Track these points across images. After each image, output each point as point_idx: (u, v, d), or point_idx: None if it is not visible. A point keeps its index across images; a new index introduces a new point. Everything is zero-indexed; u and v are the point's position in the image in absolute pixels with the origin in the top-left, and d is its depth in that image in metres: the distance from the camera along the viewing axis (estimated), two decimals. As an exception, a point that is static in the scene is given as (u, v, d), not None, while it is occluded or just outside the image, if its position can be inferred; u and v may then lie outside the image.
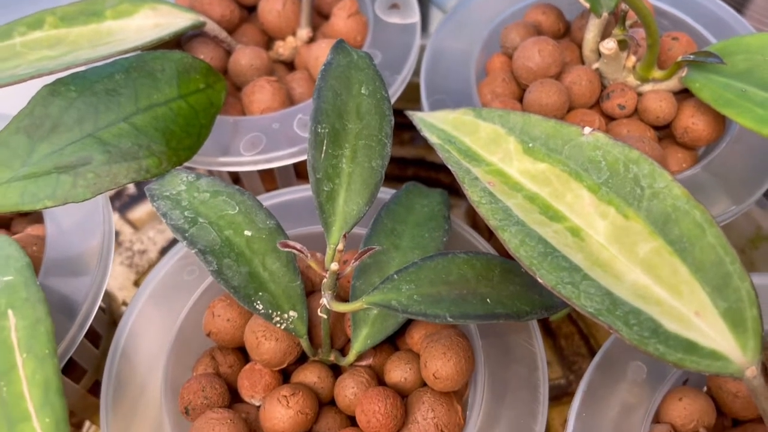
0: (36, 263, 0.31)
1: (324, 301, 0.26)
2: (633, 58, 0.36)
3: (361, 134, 0.28)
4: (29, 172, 0.28)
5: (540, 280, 0.23)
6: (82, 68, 0.31)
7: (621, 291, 0.23)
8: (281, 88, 0.38)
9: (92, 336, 0.38)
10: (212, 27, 0.39)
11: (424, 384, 0.29)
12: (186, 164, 0.32)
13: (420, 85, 0.39)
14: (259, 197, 0.31)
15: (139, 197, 0.49)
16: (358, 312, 0.29)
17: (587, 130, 0.27)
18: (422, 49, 0.41)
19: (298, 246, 0.26)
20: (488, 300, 0.26)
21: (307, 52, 0.41)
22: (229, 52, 0.40)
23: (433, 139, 0.30)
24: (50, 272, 0.32)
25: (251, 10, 0.44)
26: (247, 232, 0.28)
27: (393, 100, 0.38)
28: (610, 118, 0.37)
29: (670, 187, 0.25)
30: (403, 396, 0.28)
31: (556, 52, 0.36)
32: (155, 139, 0.30)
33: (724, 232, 0.24)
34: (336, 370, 0.30)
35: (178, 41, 0.40)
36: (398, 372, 0.29)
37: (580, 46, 0.38)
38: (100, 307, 0.32)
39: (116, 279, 0.46)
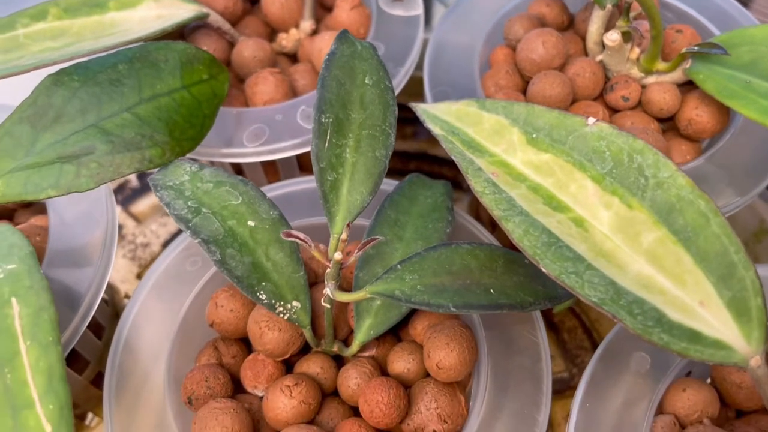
0: (39, 254, 0.31)
1: (327, 290, 0.26)
2: (637, 50, 0.36)
3: (365, 124, 0.28)
4: (33, 162, 0.28)
5: (544, 270, 0.23)
6: (85, 59, 0.31)
7: (625, 281, 0.23)
8: (284, 80, 0.38)
9: (95, 328, 0.38)
10: (215, 18, 0.39)
11: (427, 375, 0.29)
12: (189, 155, 0.32)
13: (423, 78, 0.39)
14: (262, 189, 0.31)
15: (141, 190, 0.49)
16: (362, 302, 0.29)
17: (591, 120, 0.27)
18: (425, 42, 0.41)
19: (302, 236, 0.26)
20: (491, 290, 0.26)
21: (310, 44, 0.41)
22: (232, 44, 0.40)
23: (436, 130, 0.30)
24: (53, 263, 0.32)
25: (254, 2, 0.44)
26: (251, 223, 0.28)
27: (396, 93, 0.38)
28: (613, 110, 0.37)
29: (674, 176, 0.25)
30: (406, 387, 0.28)
31: (560, 44, 0.36)
32: (158, 130, 0.30)
33: (728, 223, 0.24)
34: (339, 361, 0.30)
35: (181, 32, 0.41)
36: (401, 363, 0.29)
37: (583, 38, 0.38)
38: (102, 299, 0.32)
39: (119, 272, 0.46)
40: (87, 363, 0.37)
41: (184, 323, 0.32)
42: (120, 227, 0.47)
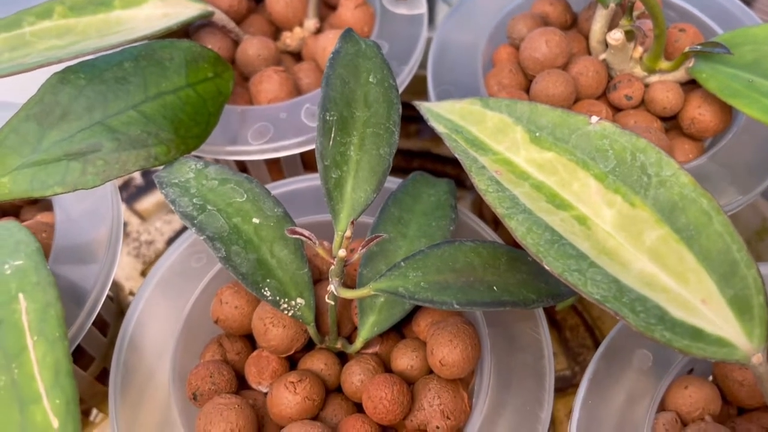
0: (45, 250, 0.32)
1: (332, 287, 0.26)
2: (640, 49, 0.36)
3: (369, 122, 0.28)
4: (39, 159, 0.28)
5: (547, 268, 0.24)
6: (91, 57, 0.31)
7: (627, 278, 0.24)
8: (288, 78, 0.38)
9: (100, 324, 0.39)
10: (220, 17, 0.39)
11: (430, 371, 0.29)
12: (194, 153, 0.32)
13: (427, 76, 0.39)
14: (266, 186, 0.31)
15: (146, 188, 0.50)
16: (365, 299, 0.29)
17: (594, 119, 0.27)
18: (429, 40, 0.41)
19: (306, 233, 0.26)
20: (495, 288, 0.26)
21: (315, 42, 0.41)
22: (236, 43, 0.41)
23: (440, 128, 0.30)
24: (59, 259, 0.32)
25: (259, 0, 0.44)
26: (255, 220, 0.29)
27: (400, 92, 0.38)
28: (616, 108, 0.37)
29: (677, 175, 0.25)
30: (409, 383, 0.29)
31: (563, 43, 0.36)
32: (164, 127, 0.31)
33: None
34: (343, 358, 0.31)
35: (186, 31, 0.41)
36: (405, 359, 0.29)
37: (587, 37, 0.38)
38: (108, 296, 0.32)
39: (123, 269, 0.46)
40: (92, 359, 0.37)
41: (189, 320, 0.32)
42: (125, 225, 0.48)
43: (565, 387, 0.40)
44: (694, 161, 0.34)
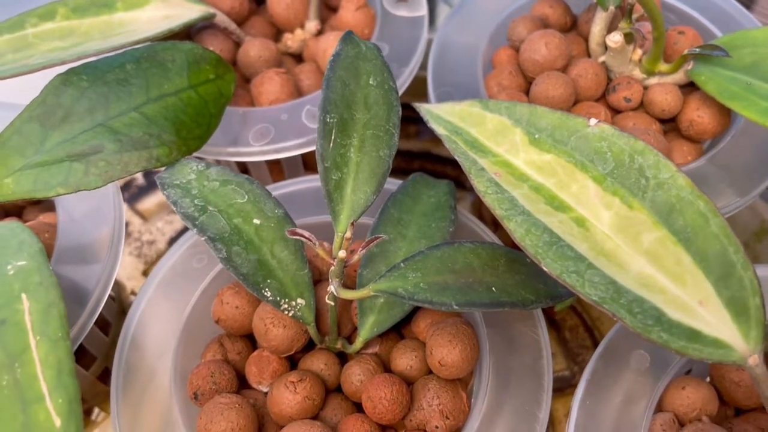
0: (48, 251, 0.32)
1: (332, 288, 0.27)
2: (639, 52, 0.36)
3: (369, 124, 0.29)
4: (42, 160, 0.29)
5: (545, 269, 0.24)
6: (94, 58, 0.31)
7: (625, 280, 0.24)
8: (289, 80, 0.39)
9: (102, 324, 0.39)
10: (222, 19, 0.39)
11: (429, 371, 0.29)
12: (195, 154, 0.32)
13: (427, 78, 0.39)
14: (267, 187, 0.31)
15: (147, 188, 0.50)
16: (365, 300, 0.30)
17: (593, 121, 0.27)
18: (429, 42, 0.41)
19: (307, 234, 0.26)
20: (493, 289, 0.26)
21: (315, 44, 0.41)
22: (238, 44, 0.41)
23: (440, 130, 0.30)
24: (61, 260, 0.32)
25: (260, 2, 0.44)
26: (256, 221, 0.29)
27: (400, 93, 0.38)
28: (615, 111, 0.37)
29: (674, 177, 0.25)
30: (408, 383, 0.29)
31: (563, 45, 0.36)
32: (166, 129, 0.31)
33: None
34: (342, 358, 0.31)
35: (188, 33, 0.41)
36: (404, 360, 0.29)
37: (586, 40, 0.38)
38: (109, 296, 0.32)
39: (125, 269, 0.46)
40: (94, 359, 0.37)
41: (190, 319, 0.32)
42: (126, 225, 0.48)
43: (564, 387, 0.41)
44: (692, 163, 0.34)
